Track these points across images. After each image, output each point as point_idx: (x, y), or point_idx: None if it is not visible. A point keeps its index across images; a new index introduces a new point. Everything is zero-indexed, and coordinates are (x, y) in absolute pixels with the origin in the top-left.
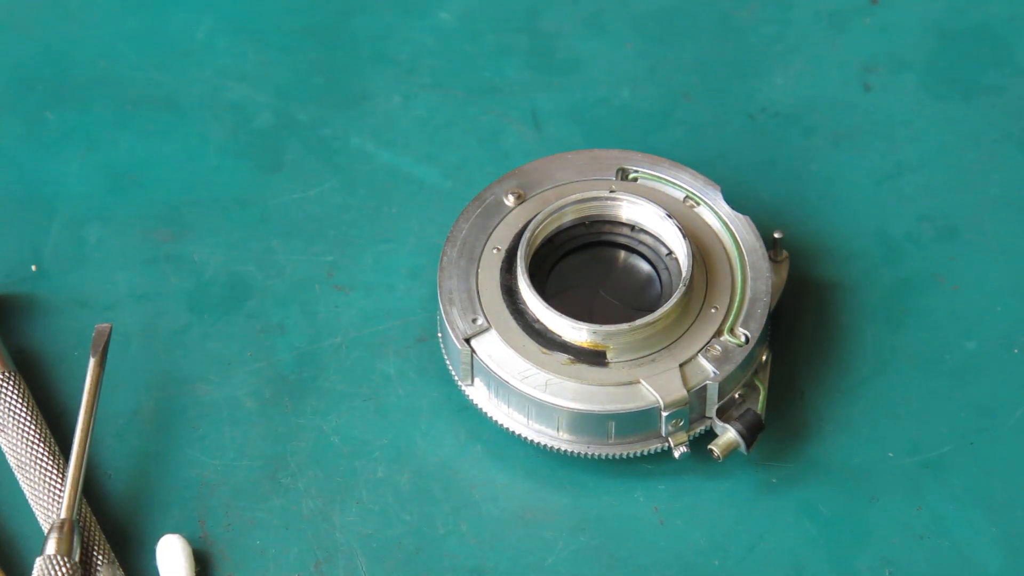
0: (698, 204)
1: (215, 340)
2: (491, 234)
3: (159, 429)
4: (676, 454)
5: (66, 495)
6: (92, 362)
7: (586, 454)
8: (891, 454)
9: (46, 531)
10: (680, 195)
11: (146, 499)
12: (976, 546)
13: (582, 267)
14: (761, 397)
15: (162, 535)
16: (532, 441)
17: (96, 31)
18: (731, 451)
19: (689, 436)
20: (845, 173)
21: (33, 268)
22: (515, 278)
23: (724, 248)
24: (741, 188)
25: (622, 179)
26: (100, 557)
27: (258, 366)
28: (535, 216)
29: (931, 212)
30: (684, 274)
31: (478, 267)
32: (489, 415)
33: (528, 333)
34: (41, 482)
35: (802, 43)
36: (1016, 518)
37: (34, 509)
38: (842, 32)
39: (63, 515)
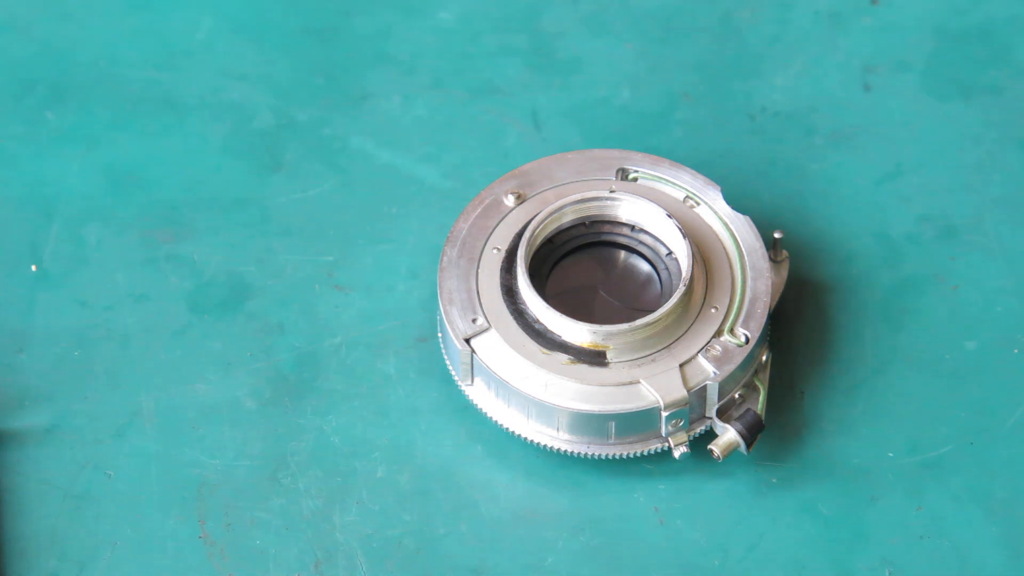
0: (698, 204)
1: (215, 340)
2: (491, 234)
3: (159, 429)
4: (676, 454)
5: None
6: None
7: (586, 454)
8: (891, 454)
9: None
10: (680, 195)
11: (146, 499)
12: (976, 546)
13: (582, 267)
14: (761, 397)
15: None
16: (532, 441)
17: (96, 31)
18: (731, 451)
19: (689, 436)
20: (845, 173)
21: (33, 268)
22: (515, 278)
23: (724, 248)
24: (741, 188)
25: (622, 179)
26: None
27: (258, 366)
28: (535, 216)
29: (931, 212)
30: (684, 274)
31: (478, 267)
32: (489, 415)
33: (528, 333)
34: None
35: (802, 43)
36: (1016, 518)
37: None
38: (842, 32)
39: None
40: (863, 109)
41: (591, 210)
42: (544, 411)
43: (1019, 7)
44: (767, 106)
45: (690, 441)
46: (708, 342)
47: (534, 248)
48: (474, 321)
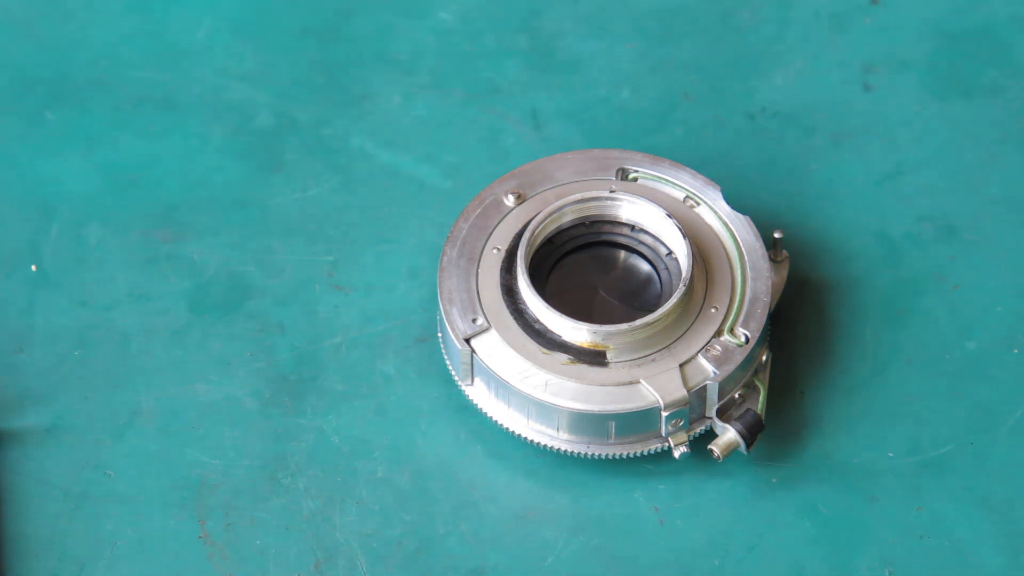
0: (698, 204)
1: (215, 340)
2: (491, 234)
3: (159, 429)
4: (676, 454)
5: None
6: None
7: (586, 454)
8: (891, 454)
9: None
10: (680, 195)
11: (146, 499)
12: (976, 546)
13: (582, 267)
14: (761, 397)
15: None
16: (532, 441)
17: (96, 31)
18: (731, 451)
19: (689, 436)
20: (845, 173)
21: (33, 268)
22: (515, 278)
23: (724, 248)
24: (741, 188)
25: (622, 179)
26: None
27: (258, 366)
28: (535, 216)
29: (931, 212)
30: (684, 274)
31: (478, 267)
32: (489, 415)
33: (528, 333)
34: None
35: (802, 43)
36: (1016, 518)
37: None
38: (842, 32)
39: None
40: (863, 109)
41: (591, 210)
42: (544, 411)
43: (1019, 7)
44: (767, 106)
45: (690, 441)
46: (708, 342)
47: (534, 248)
48: (474, 321)
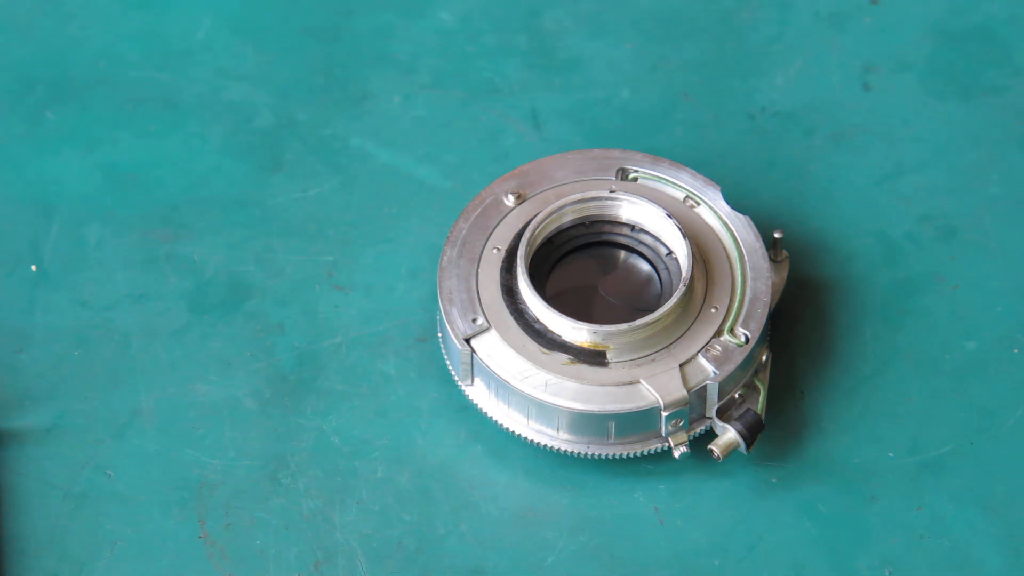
0: (698, 204)
1: (215, 340)
2: (491, 234)
3: (159, 429)
4: (676, 454)
5: None
6: None
7: (586, 454)
8: (891, 454)
9: None
10: (680, 195)
11: (146, 499)
12: (976, 546)
13: (582, 267)
14: (761, 397)
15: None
16: (532, 441)
17: (96, 31)
18: (731, 451)
19: (689, 436)
20: (845, 173)
21: (33, 268)
22: (515, 278)
23: (724, 248)
24: (741, 188)
25: (622, 179)
26: None
27: (258, 366)
28: (535, 216)
29: (931, 212)
30: (684, 274)
31: (478, 267)
32: (489, 415)
33: (528, 333)
34: None
35: (802, 43)
36: (1016, 518)
37: None
38: (842, 32)
39: None
40: (863, 109)
41: (591, 210)
42: (544, 411)
43: (1019, 7)
44: (767, 106)
45: (690, 441)
46: (708, 342)
47: (534, 248)
48: (474, 321)
